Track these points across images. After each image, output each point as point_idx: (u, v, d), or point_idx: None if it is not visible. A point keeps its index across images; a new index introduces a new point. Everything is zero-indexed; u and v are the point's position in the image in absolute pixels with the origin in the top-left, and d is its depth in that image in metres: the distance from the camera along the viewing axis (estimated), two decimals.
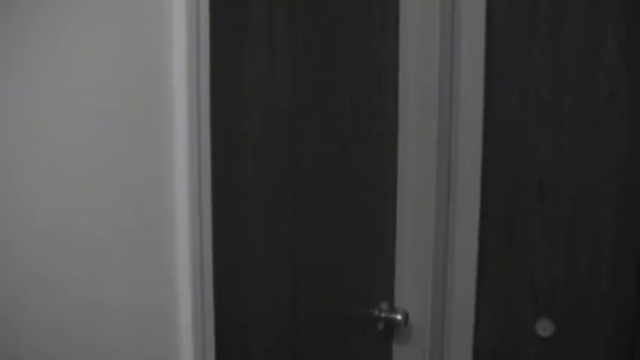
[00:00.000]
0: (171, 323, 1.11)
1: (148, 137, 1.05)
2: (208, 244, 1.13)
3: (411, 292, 1.78)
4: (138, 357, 1.08)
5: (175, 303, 1.12)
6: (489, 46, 1.74)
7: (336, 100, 1.52)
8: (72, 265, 0.97)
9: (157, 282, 1.09)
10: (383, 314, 1.73)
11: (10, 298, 0.91)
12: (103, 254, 1.01)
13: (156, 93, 1.06)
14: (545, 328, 1.79)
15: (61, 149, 0.94)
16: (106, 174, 1.00)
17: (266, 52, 1.29)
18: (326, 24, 1.47)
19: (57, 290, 0.95)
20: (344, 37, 1.53)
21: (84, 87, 0.96)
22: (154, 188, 1.07)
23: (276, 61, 1.32)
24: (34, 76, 0.90)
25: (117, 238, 1.02)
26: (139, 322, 1.07)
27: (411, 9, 1.70)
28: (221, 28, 1.15)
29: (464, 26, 1.73)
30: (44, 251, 0.93)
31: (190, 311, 1.12)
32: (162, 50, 1.06)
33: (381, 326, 1.73)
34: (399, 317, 1.73)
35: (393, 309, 1.77)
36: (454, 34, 1.73)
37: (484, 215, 1.79)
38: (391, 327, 1.77)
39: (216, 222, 1.14)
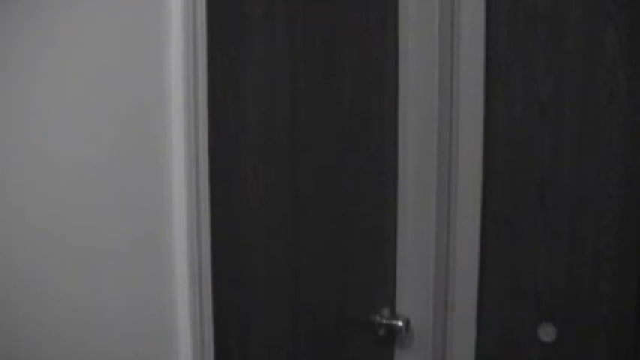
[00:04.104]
0: (169, 329, 1.10)
1: (145, 141, 1.04)
2: (207, 249, 1.12)
3: (412, 298, 1.76)
4: None
5: (174, 307, 1.11)
6: (489, 48, 1.72)
7: (337, 103, 1.51)
8: (68, 270, 0.96)
9: (155, 287, 1.08)
10: (384, 320, 1.72)
11: (6, 302, 0.90)
12: (100, 259, 0.99)
13: (153, 97, 1.05)
14: (547, 333, 1.77)
15: (58, 154, 0.93)
16: (102, 178, 0.99)
17: (265, 55, 1.27)
18: (325, 26, 1.46)
19: (53, 295, 0.94)
20: (344, 39, 1.52)
21: (81, 90, 0.95)
22: (150, 192, 1.06)
23: (276, 64, 1.30)
24: (33, 79, 0.89)
25: (113, 243, 1.01)
26: (136, 327, 1.06)
27: (410, 10, 1.69)
28: (219, 31, 1.13)
29: (463, 27, 1.72)
30: (40, 256, 0.92)
31: (188, 316, 1.12)
32: (159, 53, 1.05)
33: (382, 332, 1.72)
34: (400, 323, 1.72)
35: (394, 315, 1.76)
36: (454, 35, 1.72)
37: (485, 220, 1.78)
38: (392, 333, 1.75)
39: (215, 227, 1.13)
